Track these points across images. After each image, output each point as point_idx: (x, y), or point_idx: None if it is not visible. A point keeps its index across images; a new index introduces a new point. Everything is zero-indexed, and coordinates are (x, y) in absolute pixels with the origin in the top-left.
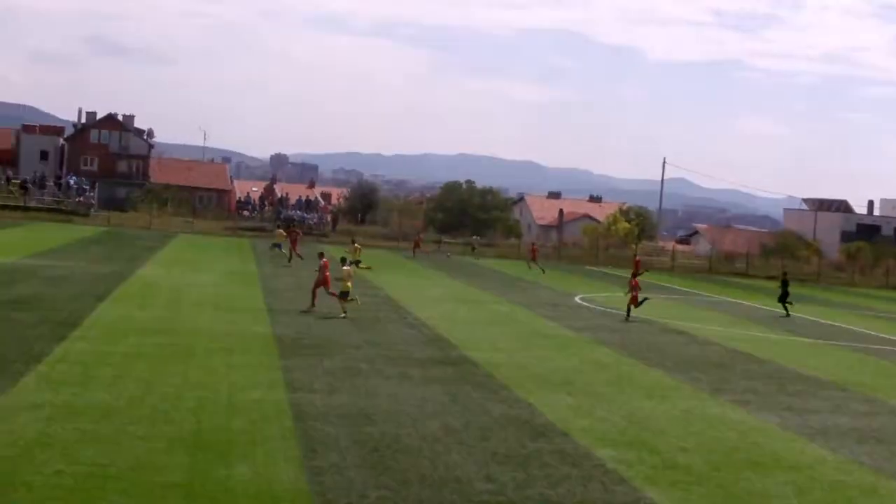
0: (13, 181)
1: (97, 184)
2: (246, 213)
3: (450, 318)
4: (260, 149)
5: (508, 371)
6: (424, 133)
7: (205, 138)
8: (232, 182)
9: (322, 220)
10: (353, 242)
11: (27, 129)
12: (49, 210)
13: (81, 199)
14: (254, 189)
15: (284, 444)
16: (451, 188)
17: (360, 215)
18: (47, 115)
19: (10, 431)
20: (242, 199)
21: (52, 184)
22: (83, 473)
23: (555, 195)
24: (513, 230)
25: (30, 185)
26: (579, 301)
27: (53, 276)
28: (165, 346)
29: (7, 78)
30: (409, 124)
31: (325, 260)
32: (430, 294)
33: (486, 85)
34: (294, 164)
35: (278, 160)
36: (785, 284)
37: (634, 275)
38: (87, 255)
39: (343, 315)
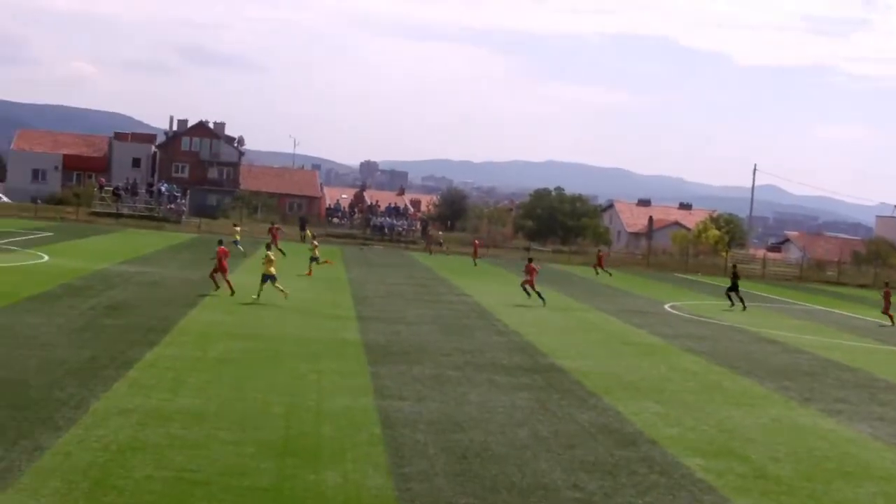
0: (106, 188)
1: (188, 191)
2: (336, 219)
3: (538, 325)
4: (350, 156)
5: (597, 379)
6: (514, 140)
7: (295, 146)
8: (322, 189)
9: (411, 227)
10: (314, 238)
11: (119, 136)
12: (141, 217)
13: (172, 206)
14: (343, 196)
15: (373, 450)
16: (541, 195)
17: (449, 222)
18: (140, 122)
19: (101, 436)
20: (332, 206)
21: (143, 191)
22: (172, 478)
23: (644, 202)
24: (602, 237)
25: (122, 193)
26: (668, 309)
27: (145, 282)
28: (255, 351)
29: (101, 86)
30: (498, 131)
31: (222, 247)
32: (518, 301)
33: (576, 91)
34: (384, 171)
35: (368, 167)
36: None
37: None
38: (178, 261)
39: (254, 297)
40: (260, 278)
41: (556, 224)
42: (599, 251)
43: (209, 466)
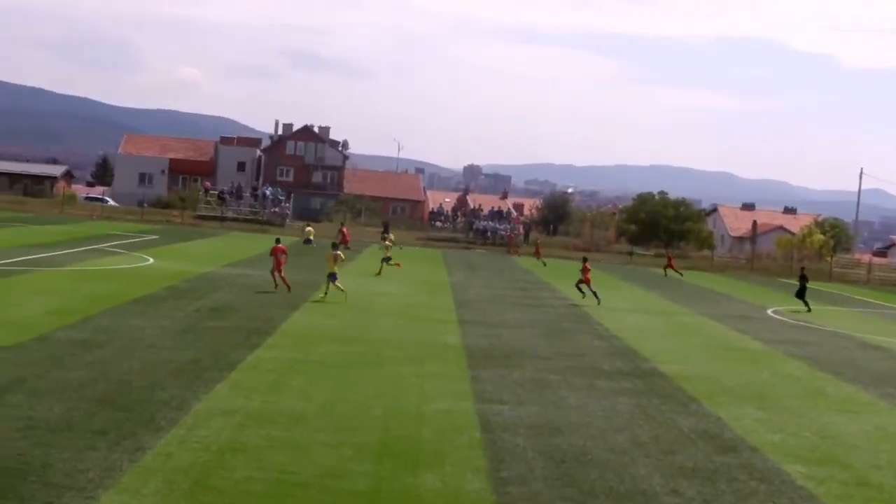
0: (211, 192)
1: (292, 194)
2: (439, 223)
3: (639, 329)
4: (453, 160)
5: (698, 384)
6: (618, 144)
7: (398, 149)
8: (425, 193)
9: (514, 231)
10: (384, 240)
11: (225, 140)
12: (245, 220)
13: (277, 209)
14: (447, 200)
15: (471, 454)
16: (644, 199)
17: (551, 226)
18: (245, 127)
19: (202, 437)
20: (435, 210)
21: (248, 194)
22: (272, 480)
23: (748, 206)
24: (706, 242)
25: (227, 196)
26: (771, 314)
27: (248, 284)
28: (356, 354)
29: (208, 91)
30: (602, 135)
31: (280, 245)
32: (619, 305)
33: (682, 94)
34: (487, 175)
35: (471, 171)
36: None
37: None
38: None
39: (323, 295)
40: (326, 276)
41: (659, 228)
42: (669, 253)
43: (308, 468)
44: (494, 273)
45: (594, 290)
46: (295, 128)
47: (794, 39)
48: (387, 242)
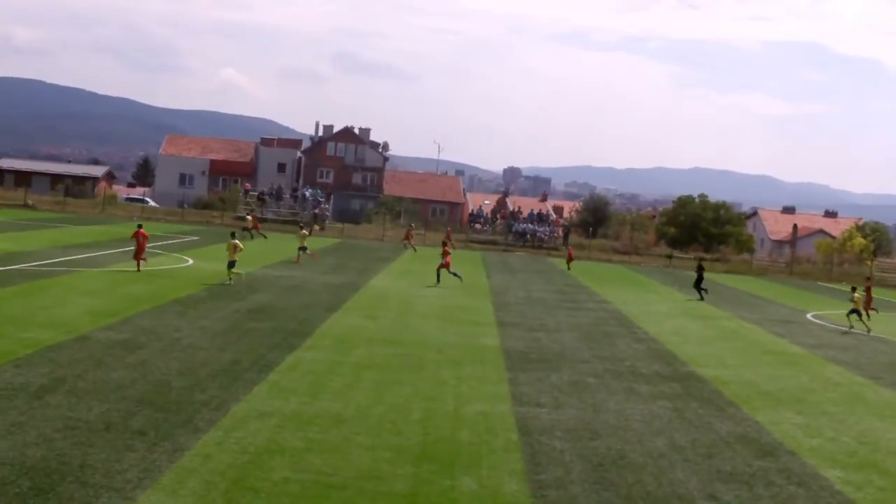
0: (251, 193)
1: (332, 196)
2: (478, 225)
3: (678, 333)
4: (493, 162)
5: (736, 388)
6: (659, 147)
7: (439, 151)
8: (465, 195)
9: (553, 234)
10: (301, 228)
11: (265, 142)
12: (284, 221)
13: (317, 210)
14: (486, 202)
15: (509, 457)
16: (684, 202)
17: (591, 229)
18: (286, 128)
19: (240, 438)
20: (475, 212)
21: (288, 196)
22: (310, 481)
23: (789, 210)
24: (745, 245)
25: (267, 197)
26: (811, 318)
27: (288, 286)
28: (394, 356)
29: (253, 93)
30: (643, 138)
31: (141, 230)
32: (659, 309)
33: (729, 98)
34: (527, 178)
35: (511, 173)
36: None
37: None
38: (321, 265)
39: (229, 281)
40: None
41: (698, 231)
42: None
43: (346, 470)
44: (534, 276)
45: (454, 272)
46: (335, 129)
47: (839, 44)
48: (303, 232)
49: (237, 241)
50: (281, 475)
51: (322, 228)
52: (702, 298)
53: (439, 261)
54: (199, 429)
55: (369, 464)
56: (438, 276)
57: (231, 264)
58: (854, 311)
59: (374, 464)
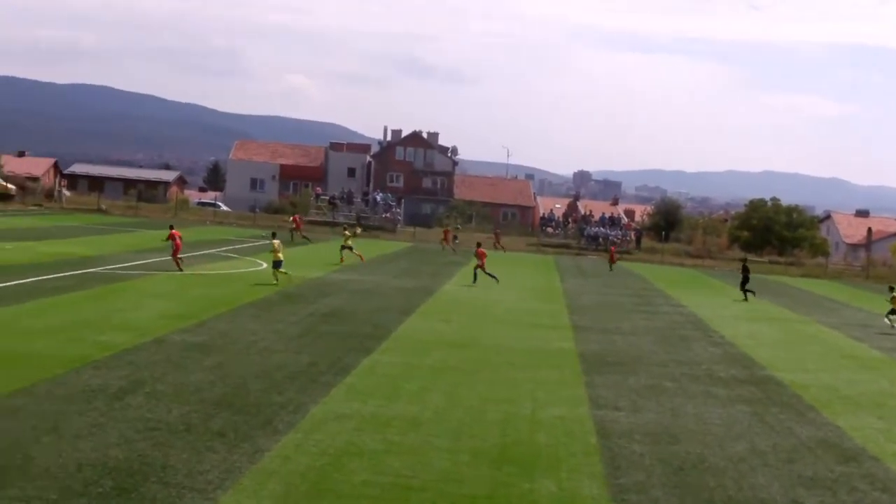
0: (322, 197)
1: (402, 200)
2: (549, 229)
3: (755, 336)
4: (563, 166)
5: (816, 392)
6: (728, 150)
7: (508, 155)
8: (535, 199)
9: (625, 238)
10: (345, 229)
11: (335, 147)
12: (354, 226)
13: (388, 215)
14: (557, 206)
15: (588, 460)
16: (756, 206)
17: (663, 233)
18: (354, 133)
19: (320, 440)
20: (546, 216)
21: (359, 200)
22: (389, 484)
23: (862, 213)
24: (819, 249)
25: (337, 202)
26: (889, 322)
27: (361, 290)
28: (470, 360)
29: (319, 98)
30: (712, 142)
31: (174, 231)
32: (733, 312)
33: (791, 100)
34: (597, 181)
35: (581, 177)
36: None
37: None
38: (393, 269)
39: (275, 282)
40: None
41: (771, 235)
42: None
43: (425, 473)
44: (607, 279)
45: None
46: (404, 134)
47: None
48: (346, 233)
49: (277, 241)
50: (360, 477)
51: (361, 229)
52: (745, 299)
53: (478, 263)
54: (278, 431)
55: (448, 466)
56: (475, 275)
57: (277, 264)
58: (893, 310)
59: (454, 466)
